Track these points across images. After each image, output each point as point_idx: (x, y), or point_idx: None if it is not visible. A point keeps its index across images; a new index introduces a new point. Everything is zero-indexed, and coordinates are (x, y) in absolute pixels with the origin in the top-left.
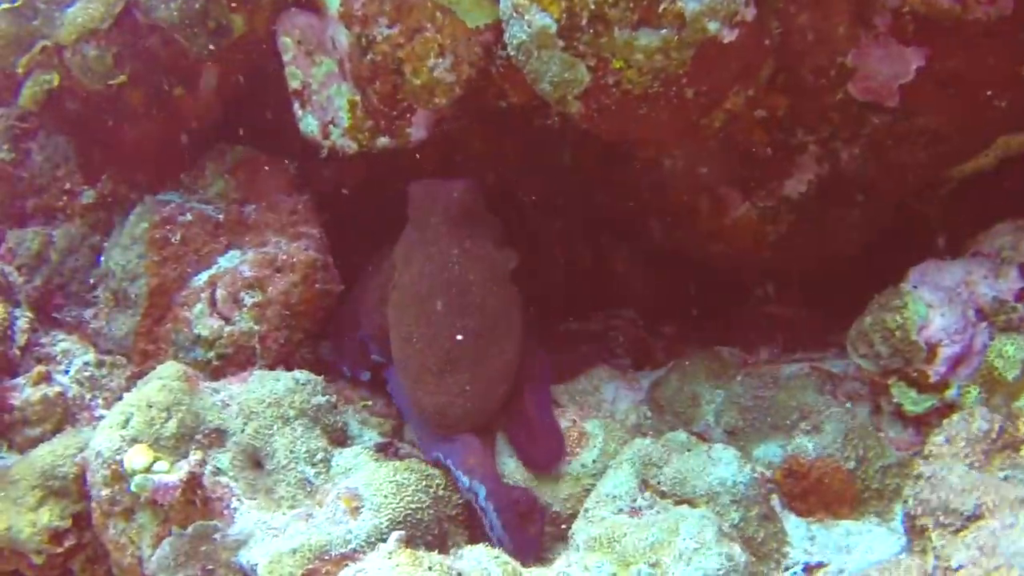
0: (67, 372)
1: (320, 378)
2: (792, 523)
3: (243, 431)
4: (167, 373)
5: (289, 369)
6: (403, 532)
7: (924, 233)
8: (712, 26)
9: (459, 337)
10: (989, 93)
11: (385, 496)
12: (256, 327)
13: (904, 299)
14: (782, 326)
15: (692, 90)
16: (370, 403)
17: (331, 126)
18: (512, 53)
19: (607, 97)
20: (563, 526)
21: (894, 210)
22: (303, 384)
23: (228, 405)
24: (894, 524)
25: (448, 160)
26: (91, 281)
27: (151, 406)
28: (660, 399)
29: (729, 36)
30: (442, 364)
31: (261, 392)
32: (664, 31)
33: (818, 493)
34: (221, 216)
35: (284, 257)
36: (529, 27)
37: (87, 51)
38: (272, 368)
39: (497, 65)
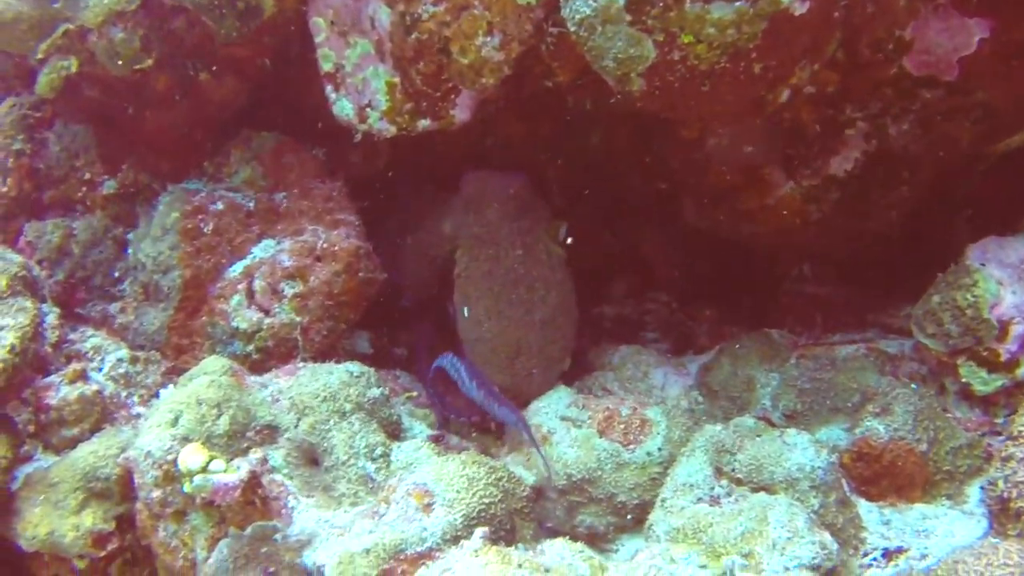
0: (100, 370)
1: (372, 370)
2: (864, 508)
3: (297, 427)
4: (213, 368)
5: (332, 361)
6: (487, 529)
7: (953, 211)
8: None
9: (525, 331)
10: None
11: (457, 491)
12: (298, 318)
13: (974, 277)
14: (820, 306)
15: (760, 65)
16: (415, 394)
17: (368, 109)
18: (573, 29)
19: (672, 74)
20: (628, 516)
21: (933, 187)
22: (357, 377)
23: (278, 400)
24: (968, 507)
25: (479, 143)
26: (115, 275)
27: (201, 403)
28: (712, 383)
29: (801, 8)
30: (512, 352)
31: (315, 386)
32: (738, 3)
33: (890, 476)
34: (252, 204)
35: (325, 246)
36: (595, 1)
37: (114, 34)
38: (315, 360)
39: (548, 43)
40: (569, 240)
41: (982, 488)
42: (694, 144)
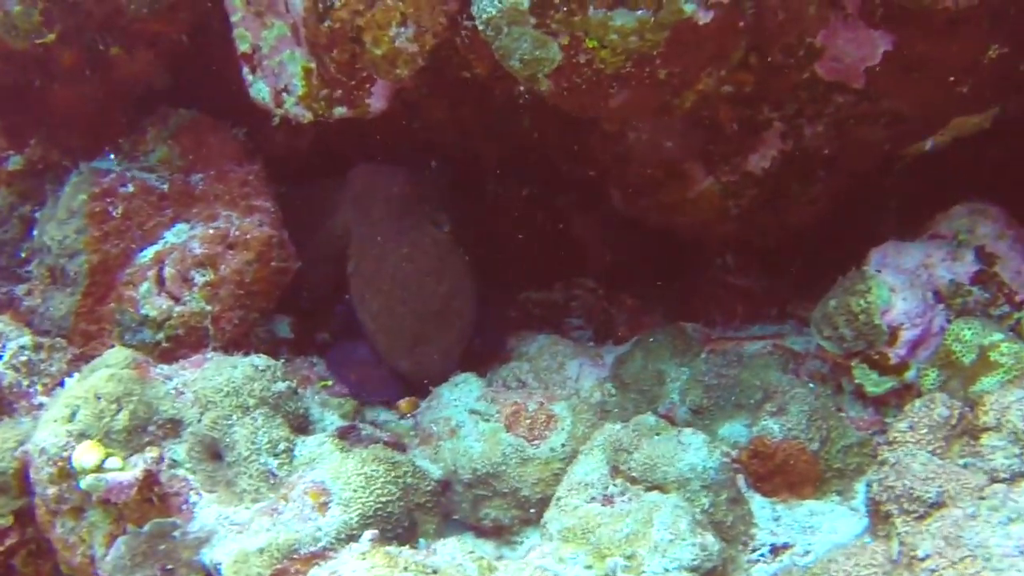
0: (0, 357)
1: (280, 363)
2: (757, 503)
3: (200, 421)
4: (115, 360)
5: (244, 350)
6: (376, 531)
7: (876, 206)
8: (688, 7)
9: (422, 322)
10: (952, 79)
11: (354, 490)
12: (208, 307)
13: (868, 283)
14: (741, 297)
15: (665, 71)
16: (329, 383)
17: (284, 94)
18: (480, 28)
19: (579, 76)
20: (531, 510)
21: (851, 185)
22: (262, 371)
23: (183, 393)
24: (855, 503)
25: (406, 127)
26: (22, 255)
27: (99, 397)
28: (625, 376)
29: (704, 18)
30: (411, 343)
31: (218, 380)
32: (640, 12)
33: (783, 474)
34: (166, 186)
35: (237, 233)
36: (500, 2)
37: (10, 6)
38: (226, 349)
39: (462, 36)
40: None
41: (867, 486)
42: (615, 137)
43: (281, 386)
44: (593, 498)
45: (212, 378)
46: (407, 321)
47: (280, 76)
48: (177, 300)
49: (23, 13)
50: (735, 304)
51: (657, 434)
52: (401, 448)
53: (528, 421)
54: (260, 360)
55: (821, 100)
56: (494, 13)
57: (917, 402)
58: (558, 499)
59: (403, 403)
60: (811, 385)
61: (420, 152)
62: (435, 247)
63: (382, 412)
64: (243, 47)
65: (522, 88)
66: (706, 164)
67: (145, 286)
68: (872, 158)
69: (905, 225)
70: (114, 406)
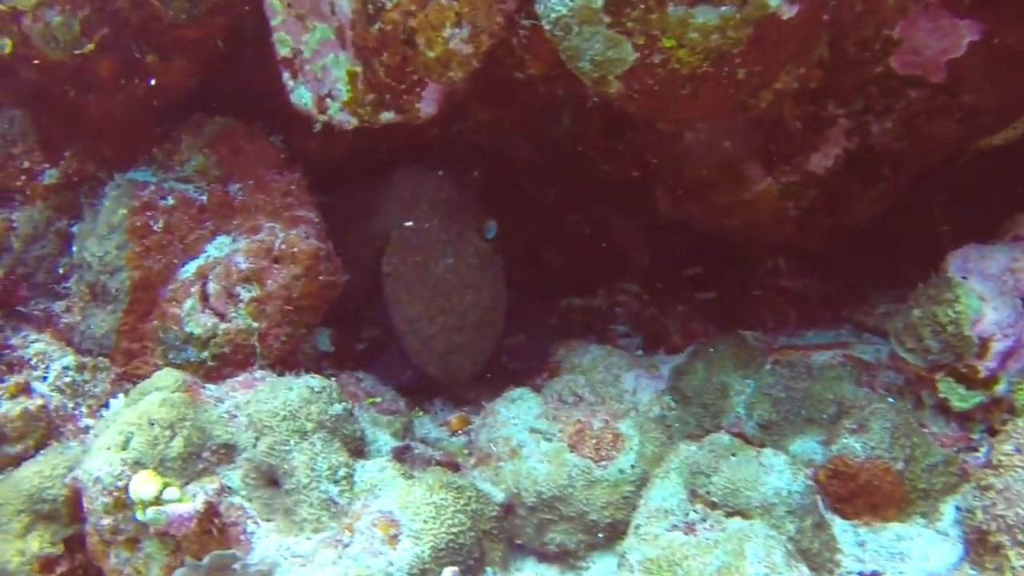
0: (45, 379)
1: (334, 383)
2: (838, 527)
3: (255, 446)
4: (165, 382)
5: (291, 368)
6: (456, 569)
7: (924, 203)
8: (773, 2)
9: (459, 332)
10: None
11: (424, 521)
12: (255, 324)
13: (955, 291)
14: (794, 300)
15: (745, 70)
16: (378, 400)
17: (328, 99)
18: (548, 27)
19: (652, 77)
20: (599, 535)
21: (913, 183)
22: (318, 392)
23: (235, 417)
24: (942, 526)
25: (445, 130)
26: (59, 271)
27: (153, 424)
28: (685, 389)
29: (789, 12)
30: (444, 351)
31: (274, 404)
32: (724, 8)
33: (866, 495)
34: (204, 198)
35: (283, 246)
36: (571, 1)
37: (51, 17)
38: (273, 367)
39: (520, 36)
40: (493, 235)
41: (957, 508)
42: (671, 138)
43: (338, 408)
44: (674, 526)
45: (267, 401)
46: (444, 330)
47: (323, 81)
48: (222, 317)
49: (63, 24)
50: (788, 309)
51: (733, 454)
52: (455, 467)
53: (594, 440)
54: (316, 381)
55: (892, 95)
56: (564, 12)
57: (1021, 421)
58: (637, 527)
59: (454, 420)
60: (890, 399)
61: (458, 155)
62: (478, 257)
63: (432, 429)
64: (283, 51)
65: (562, 91)
66: (765, 164)
67: (189, 303)
68: (939, 154)
69: (956, 222)
70: (168, 432)
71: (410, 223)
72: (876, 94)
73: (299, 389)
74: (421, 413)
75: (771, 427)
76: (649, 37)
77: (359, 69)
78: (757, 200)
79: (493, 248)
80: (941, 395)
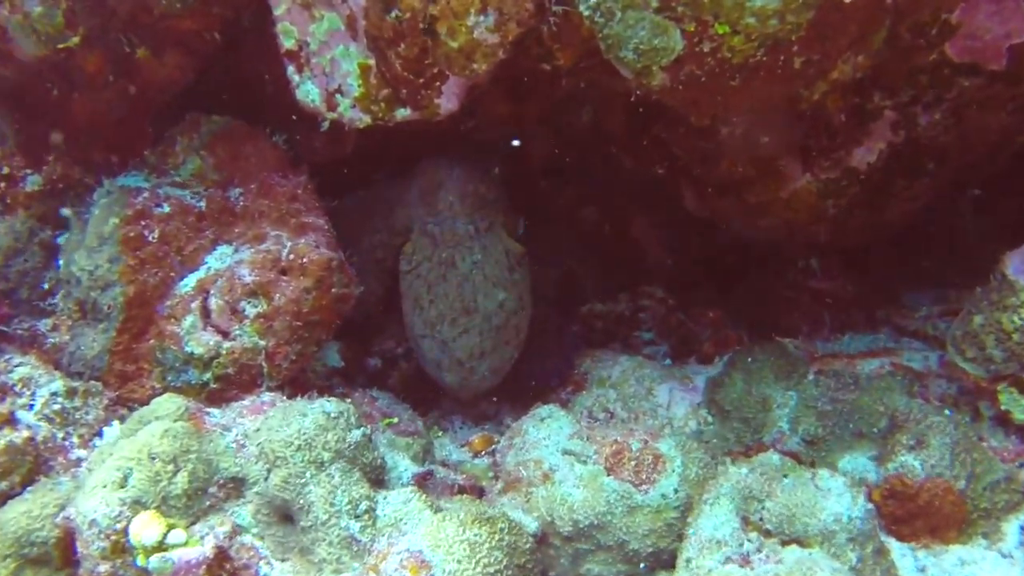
0: (31, 407)
1: (351, 406)
2: (896, 551)
3: (267, 479)
4: (166, 410)
5: (301, 388)
6: None
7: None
8: None
9: (480, 336)
10: None
11: (458, 561)
12: (262, 342)
13: (1021, 296)
14: (828, 303)
15: (802, 59)
16: (395, 421)
17: (338, 95)
18: (587, 13)
19: (700, 67)
20: (641, 565)
21: (955, 178)
22: (335, 418)
23: (244, 446)
24: (1005, 547)
25: (460, 123)
26: (45, 286)
27: (154, 458)
28: (723, 402)
29: None
30: (464, 356)
31: (287, 432)
32: None
33: (925, 516)
34: (203, 204)
35: (291, 257)
36: None
37: (31, 7)
38: (282, 389)
39: (550, 24)
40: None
41: (1021, 528)
42: (704, 132)
43: (357, 435)
44: (728, 558)
45: (279, 429)
46: (466, 333)
47: (332, 75)
48: (226, 335)
49: (45, 15)
50: (821, 311)
51: (785, 475)
52: (479, 492)
53: (633, 463)
54: (332, 405)
55: (944, 84)
56: None
57: None
58: (688, 560)
59: (476, 440)
60: (947, 411)
61: (475, 151)
62: (507, 256)
63: (452, 450)
64: (288, 43)
65: (584, 83)
66: (803, 160)
67: (189, 320)
68: (985, 148)
69: (985, 218)
70: (171, 467)
71: (435, 217)
72: (926, 84)
73: (314, 415)
74: (440, 433)
75: (818, 442)
76: (700, 23)
77: (372, 62)
78: (794, 198)
79: (523, 248)
80: (1003, 407)
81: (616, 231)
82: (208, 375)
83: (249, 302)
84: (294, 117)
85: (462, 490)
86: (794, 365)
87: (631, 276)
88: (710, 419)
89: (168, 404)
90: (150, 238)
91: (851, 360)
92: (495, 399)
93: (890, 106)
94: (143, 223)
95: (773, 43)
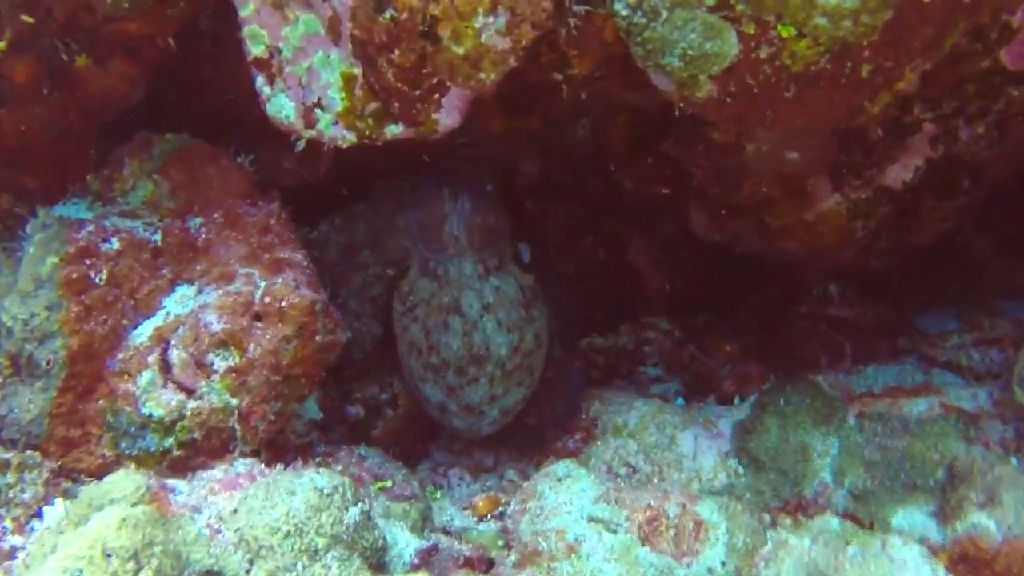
0: None
1: (346, 479)
2: None
3: (250, 573)
4: (123, 491)
5: (279, 452)
6: None
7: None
8: None
9: (491, 383)
10: None
11: None
12: (234, 401)
13: None
14: (847, 331)
15: (870, 67)
16: (388, 484)
17: (317, 110)
18: (624, 13)
19: (753, 77)
20: None
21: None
22: (329, 495)
23: (218, 532)
24: None
25: (447, 142)
26: None
27: (109, 555)
28: (757, 451)
29: None
30: (475, 404)
31: (272, 516)
32: None
33: None
34: (158, 237)
35: (267, 300)
36: None
37: None
38: (257, 454)
39: (570, 26)
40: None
41: None
42: (727, 150)
43: (354, 513)
44: None
45: (263, 512)
46: (475, 382)
47: (310, 87)
48: (191, 393)
49: None
50: (841, 341)
51: (848, 542)
52: (488, 564)
53: (671, 531)
54: (323, 479)
55: (992, 94)
56: None
57: None
58: None
59: (481, 502)
60: (1014, 460)
61: (467, 168)
62: (521, 294)
63: (454, 513)
64: (256, 50)
65: (586, 95)
66: (833, 178)
67: (146, 376)
68: (1021, 163)
69: (988, 235)
70: (131, 565)
71: (437, 255)
72: (972, 93)
73: (304, 493)
74: (438, 493)
75: (867, 496)
76: (761, 24)
77: (358, 71)
78: (820, 220)
79: (536, 283)
80: None
81: (612, 256)
82: (170, 441)
83: (218, 354)
84: (257, 134)
85: (469, 563)
86: (832, 407)
87: (629, 305)
88: (741, 470)
89: (125, 483)
90: (96, 280)
91: (894, 400)
92: (492, 450)
93: (931, 119)
94: (88, 262)
95: (841, 48)
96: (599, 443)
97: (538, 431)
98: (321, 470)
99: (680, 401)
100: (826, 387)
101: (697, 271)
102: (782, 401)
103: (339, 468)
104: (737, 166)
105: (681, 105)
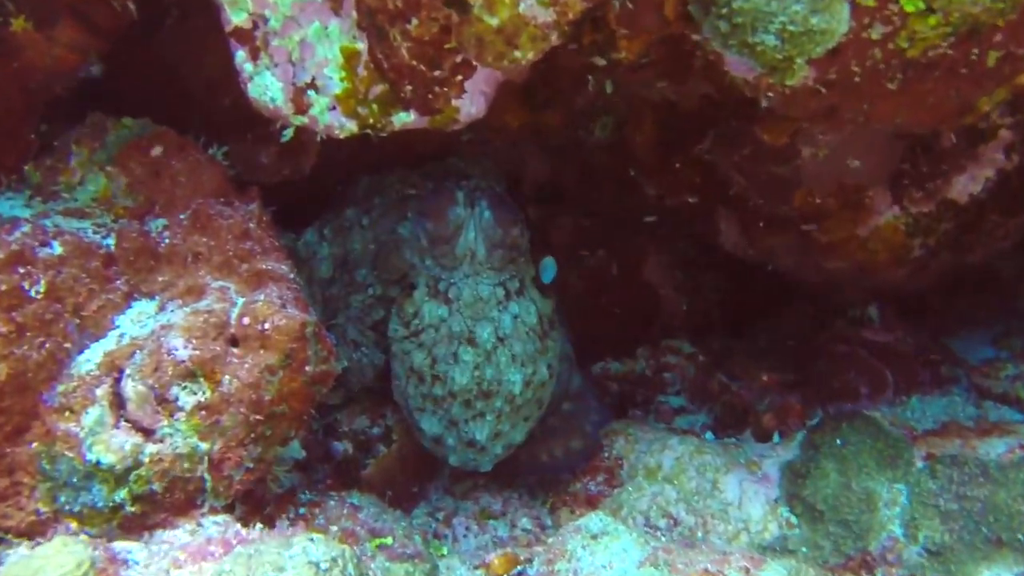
0: None
1: (348, 551)
2: None
3: None
4: (61, 569)
5: (257, 505)
6: None
7: None
8: None
9: (498, 419)
10: None
11: None
12: (203, 445)
13: None
14: (889, 359)
15: (999, 52)
16: (388, 541)
17: (310, 92)
18: None
19: (859, 62)
20: None
21: None
22: (327, 570)
23: None
24: None
25: (450, 138)
26: None
27: None
28: (813, 499)
29: None
30: (483, 440)
31: None
32: None
33: None
34: (111, 242)
35: (245, 320)
36: None
37: None
38: (231, 509)
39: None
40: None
41: None
42: (779, 154)
43: None
44: None
45: None
46: (481, 417)
47: (302, 64)
48: (149, 435)
49: None
50: (883, 369)
51: None
52: None
53: None
54: (318, 549)
55: None
56: None
57: None
58: None
59: (495, 561)
60: None
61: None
62: (540, 324)
63: (464, 574)
64: (237, 19)
65: (611, 88)
66: (893, 190)
67: (93, 413)
68: None
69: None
70: None
71: (450, 272)
72: None
73: (297, 570)
74: (444, 549)
75: (944, 553)
76: None
77: (362, 46)
78: (875, 236)
79: (556, 305)
80: None
81: (626, 272)
82: (123, 494)
83: (184, 387)
84: (233, 125)
85: None
86: (897, 448)
87: (642, 326)
88: (794, 520)
89: (62, 557)
90: (32, 293)
91: (965, 440)
92: (499, 493)
93: (1009, 124)
94: (22, 270)
95: (969, 30)
96: (630, 488)
97: (552, 470)
98: (315, 537)
99: (709, 436)
100: (886, 424)
101: (715, 290)
102: (839, 440)
103: (325, 521)
104: (788, 173)
105: (768, 94)
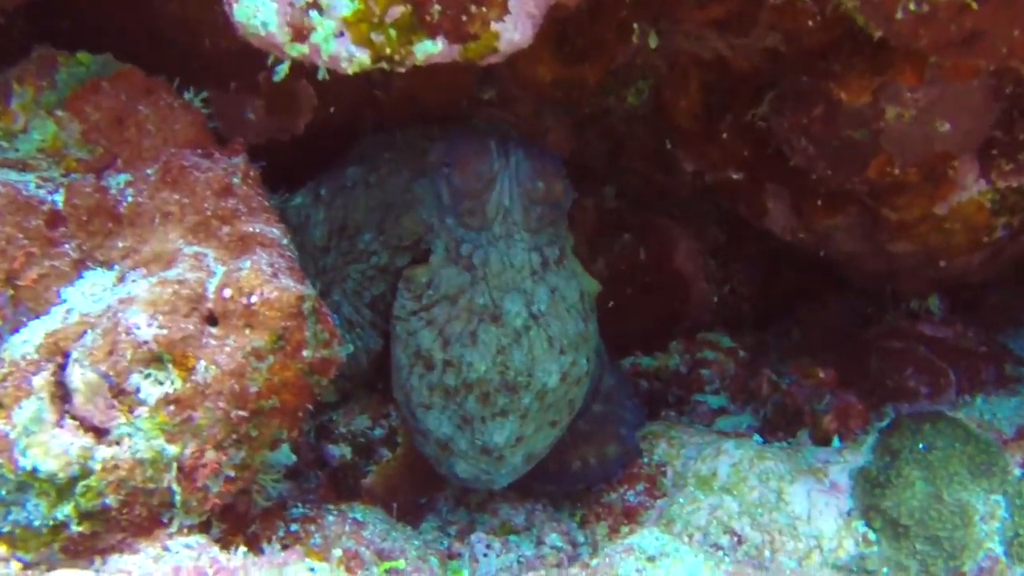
0: None
1: None
2: None
3: None
4: None
5: (238, 523)
6: None
7: None
8: None
9: (522, 420)
10: None
11: None
12: (171, 448)
13: None
14: (951, 356)
15: None
16: (400, 565)
17: (312, 13)
18: None
19: None
20: None
21: None
22: None
23: None
24: None
25: (468, 91)
26: None
27: None
28: (896, 512)
29: None
30: (501, 445)
31: None
32: None
33: None
34: (59, 198)
35: (227, 293)
36: None
37: None
38: (206, 528)
39: None
40: None
41: None
42: (857, 115)
43: None
44: None
45: None
46: (502, 416)
47: None
48: (102, 435)
49: None
50: (944, 367)
51: None
52: None
53: None
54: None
55: None
56: None
57: None
58: None
59: None
60: None
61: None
62: (582, 302)
63: None
64: None
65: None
66: (982, 160)
67: (28, 408)
68: None
69: None
70: None
71: (476, 233)
72: None
73: None
74: (464, 573)
75: None
76: None
77: None
78: (954, 214)
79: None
80: None
81: (654, 260)
82: (67, 509)
83: (148, 375)
84: (214, 73)
85: None
86: (989, 454)
87: (672, 318)
88: (872, 536)
89: None
90: None
91: None
92: (521, 504)
93: None
94: None
95: None
96: (680, 499)
97: (585, 481)
98: (316, 566)
99: (757, 439)
100: (974, 427)
101: (747, 282)
102: (922, 445)
103: (323, 540)
104: (869, 137)
105: (902, 11)
